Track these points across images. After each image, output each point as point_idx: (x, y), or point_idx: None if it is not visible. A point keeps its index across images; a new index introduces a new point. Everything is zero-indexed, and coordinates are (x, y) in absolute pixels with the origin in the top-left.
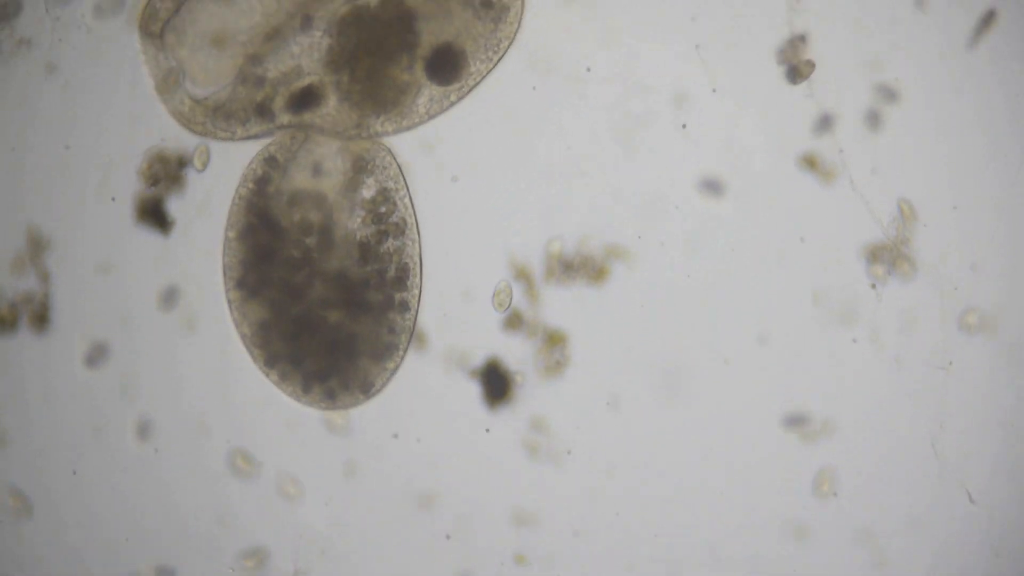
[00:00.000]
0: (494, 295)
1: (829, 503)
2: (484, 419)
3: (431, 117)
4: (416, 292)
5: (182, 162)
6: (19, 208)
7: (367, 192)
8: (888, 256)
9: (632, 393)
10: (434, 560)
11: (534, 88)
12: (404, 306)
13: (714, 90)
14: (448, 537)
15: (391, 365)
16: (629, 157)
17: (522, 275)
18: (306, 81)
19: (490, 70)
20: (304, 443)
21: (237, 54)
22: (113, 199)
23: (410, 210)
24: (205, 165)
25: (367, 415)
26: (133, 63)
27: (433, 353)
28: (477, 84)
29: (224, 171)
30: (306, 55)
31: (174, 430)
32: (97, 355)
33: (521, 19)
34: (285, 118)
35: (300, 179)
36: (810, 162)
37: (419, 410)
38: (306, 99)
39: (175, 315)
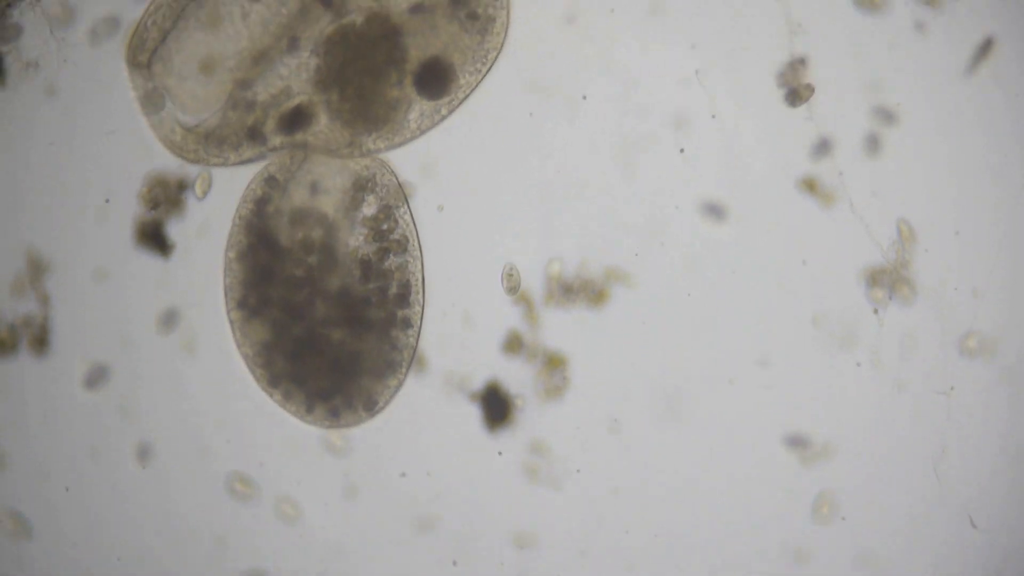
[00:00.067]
0: (503, 278)
1: (829, 527)
2: (484, 442)
3: (423, 132)
4: (418, 309)
5: (182, 186)
6: (19, 231)
7: (368, 210)
8: (888, 279)
9: (632, 416)
10: None
11: (531, 115)
12: (407, 323)
13: (713, 116)
14: (455, 563)
15: (394, 382)
16: (628, 180)
17: (522, 298)
18: (295, 101)
19: (479, 82)
20: (304, 465)
21: (226, 80)
22: (107, 200)
23: (411, 227)
24: (205, 193)
25: (367, 437)
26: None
27: (433, 376)
28: (467, 96)
29: (224, 193)
30: (295, 76)
31: (174, 452)
32: (96, 378)
33: (507, 29)
34: (277, 140)
35: (300, 198)
36: (810, 185)
37: (419, 434)
38: (296, 119)
39: (175, 338)
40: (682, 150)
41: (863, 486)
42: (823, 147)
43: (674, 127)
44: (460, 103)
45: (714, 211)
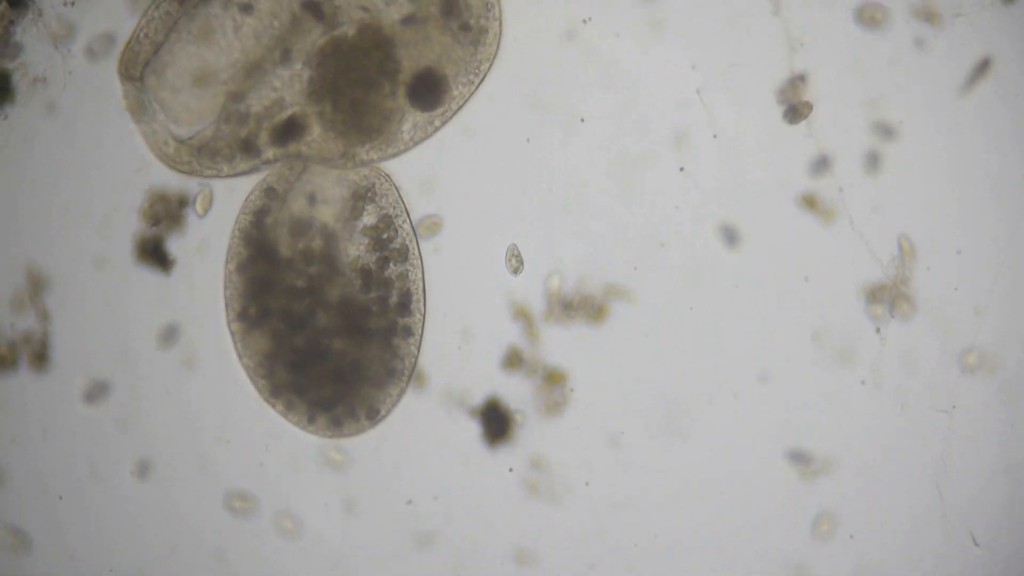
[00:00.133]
0: (506, 260)
1: (829, 544)
2: (485, 458)
3: (416, 143)
4: (419, 317)
5: (183, 202)
6: (19, 247)
7: (368, 219)
8: (888, 296)
9: (632, 432)
10: None
11: (528, 140)
12: (408, 331)
13: (715, 136)
14: None
15: (396, 391)
16: (628, 196)
17: (521, 315)
18: (288, 112)
19: (472, 93)
20: (303, 480)
21: (219, 92)
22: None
23: (411, 235)
24: (206, 211)
25: (367, 452)
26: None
27: (433, 392)
28: (460, 108)
29: (226, 208)
30: (287, 88)
31: (173, 467)
32: (96, 394)
33: (500, 40)
34: (271, 152)
35: (300, 209)
36: (810, 202)
37: (419, 449)
38: (289, 130)
39: (175, 353)
40: (682, 168)
41: (864, 503)
42: (823, 163)
43: (674, 144)
44: (453, 114)
45: (714, 228)
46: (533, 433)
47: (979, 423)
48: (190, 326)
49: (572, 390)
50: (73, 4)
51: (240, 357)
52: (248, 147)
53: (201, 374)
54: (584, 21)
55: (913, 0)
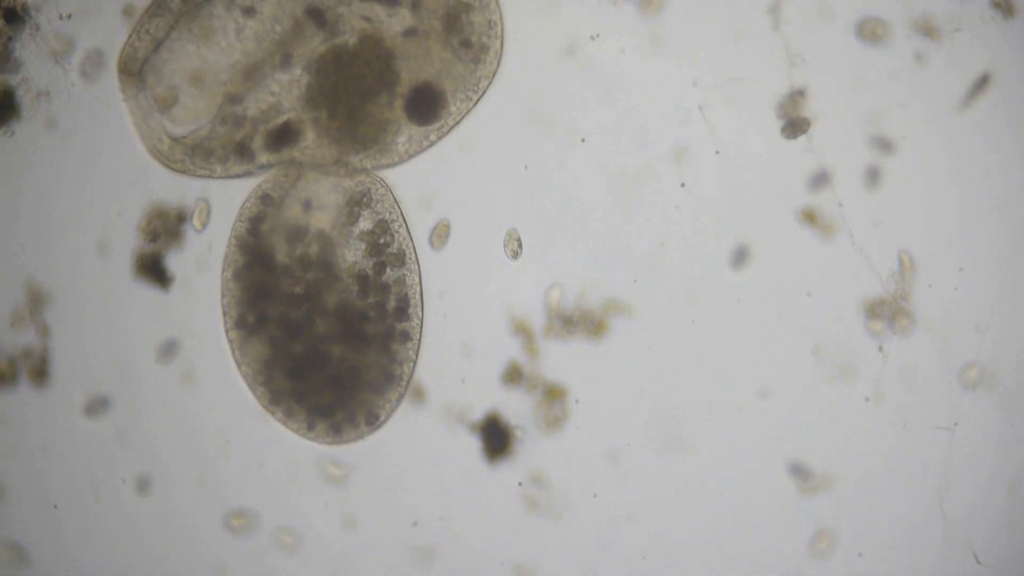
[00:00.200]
0: (505, 244)
1: (829, 560)
2: (484, 473)
3: (411, 156)
4: (417, 322)
5: (181, 218)
6: (18, 263)
7: (365, 224)
8: (888, 311)
9: (631, 447)
10: None
11: (526, 167)
12: (406, 336)
13: (717, 152)
14: None
15: (395, 396)
16: (628, 212)
17: (521, 330)
18: (284, 118)
19: (469, 109)
20: (302, 496)
21: (216, 93)
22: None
23: (408, 240)
24: (204, 225)
25: (366, 468)
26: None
27: (433, 408)
28: (456, 124)
29: (224, 220)
30: (286, 93)
31: (173, 483)
32: (96, 409)
33: (501, 59)
34: (264, 157)
35: (296, 215)
36: (810, 216)
37: (419, 464)
38: (284, 136)
39: (174, 369)
40: (683, 184)
41: (865, 519)
42: (823, 178)
43: (675, 159)
44: (449, 130)
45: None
46: (533, 448)
47: (980, 440)
48: (189, 340)
49: (577, 401)
50: (70, 17)
51: (239, 365)
52: (242, 150)
53: (201, 388)
54: (592, 38)
55: (913, 15)
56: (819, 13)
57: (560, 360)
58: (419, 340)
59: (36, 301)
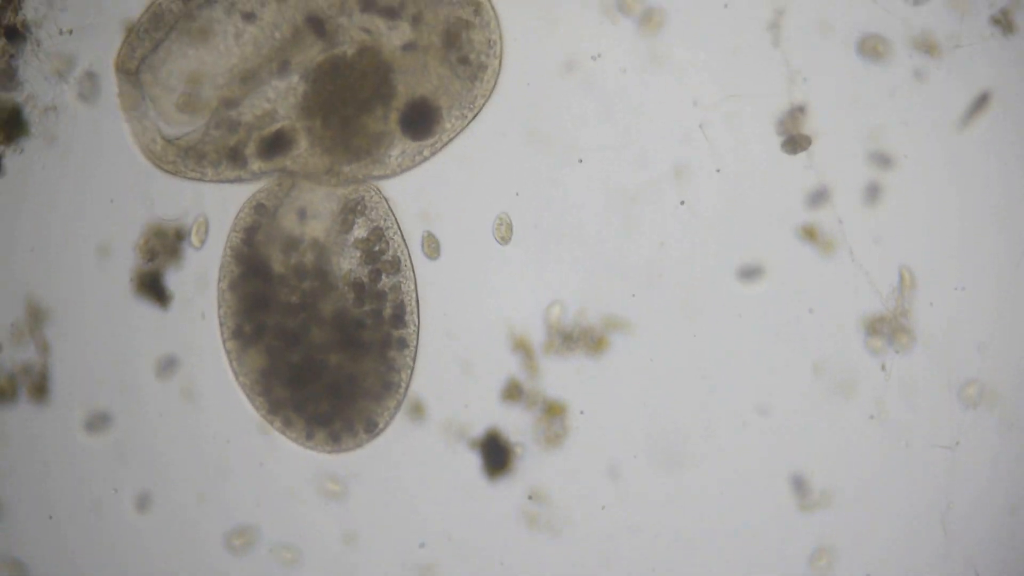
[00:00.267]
0: (494, 228)
1: None
2: (484, 489)
3: (403, 171)
4: (414, 329)
5: (179, 235)
6: (18, 279)
7: (360, 232)
8: (888, 328)
9: (631, 463)
10: None
11: (517, 194)
12: (403, 343)
13: (718, 170)
14: None
15: (393, 403)
16: (628, 228)
17: (521, 347)
18: (277, 126)
19: (464, 127)
20: (302, 512)
21: (212, 96)
22: (131, 279)
23: (403, 247)
24: (203, 242)
25: (365, 484)
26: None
27: (432, 424)
28: (450, 141)
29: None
30: (281, 100)
31: (173, 500)
32: (96, 426)
33: (498, 78)
34: (256, 165)
35: (290, 224)
36: (810, 233)
37: (419, 481)
38: (277, 144)
39: (174, 385)
40: (682, 202)
41: (865, 537)
42: (823, 195)
43: (674, 176)
44: (443, 147)
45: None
46: (533, 465)
47: (982, 458)
48: (189, 356)
49: (582, 412)
50: (71, 33)
51: (236, 375)
52: (235, 156)
53: (201, 404)
54: (593, 58)
55: (913, 32)
56: (819, 30)
57: (560, 377)
58: (416, 347)
59: (36, 317)
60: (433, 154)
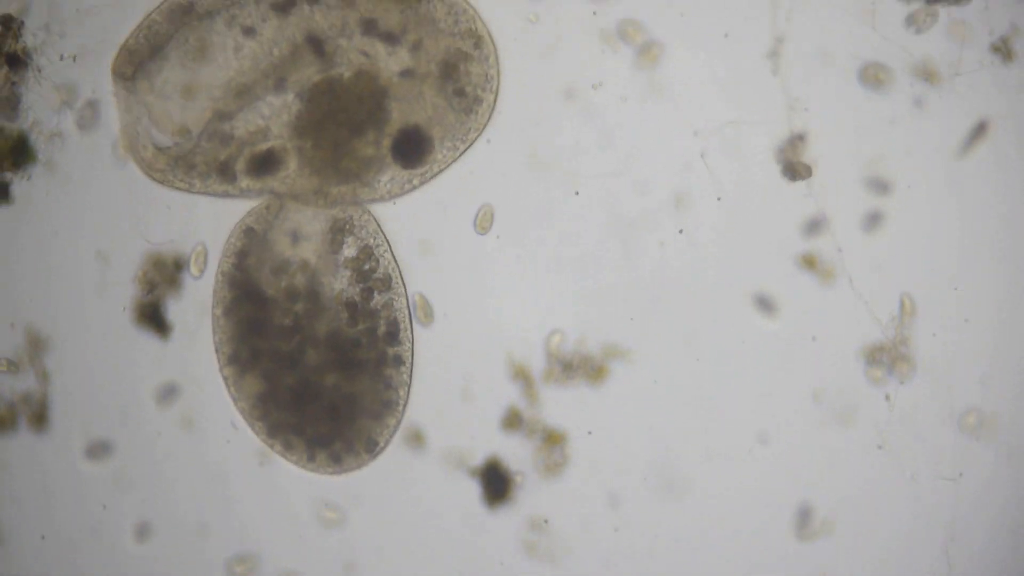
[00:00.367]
0: (475, 218)
1: None
2: (484, 518)
3: (392, 197)
4: (408, 345)
5: (178, 265)
6: (17, 308)
7: (349, 251)
8: (887, 356)
9: (632, 492)
10: None
11: (498, 237)
12: (399, 360)
13: (719, 199)
14: None
15: (392, 421)
16: (628, 257)
17: (520, 375)
18: (268, 144)
19: (455, 159)
20: (303, 541)
21: (207, 107)
22: (124, 308)
23: (393, 264)
24: (203, 271)
25: (367, 512)
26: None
27: (432, 453)
28: (441, 172)
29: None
30: (275, 117)
31: (173, 531)
32: (95, 455)
33: (492, 112)
34: (245, 182)
35: (281, 247)
36: (810, 262)
37: (419, 509)
38: (267, 163)
39: (174, 414)
40: (681, 231)
41: (867, 567)
42: (823, 223)
43: (674, 205)
44: (432, 177)
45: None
46: (533, 494)
47: (986, 489)
48: (189, 384)
49: (590, 432)
50: (74, 59)
51: (235, 401)
52: (225, 170)
53: (201, 433)
54: (593, 87)
55: (913, 60)
56: (819, 58)
57: (560, 405)
58: (412, 364)
59: (36, 346)
60: (422, 183)
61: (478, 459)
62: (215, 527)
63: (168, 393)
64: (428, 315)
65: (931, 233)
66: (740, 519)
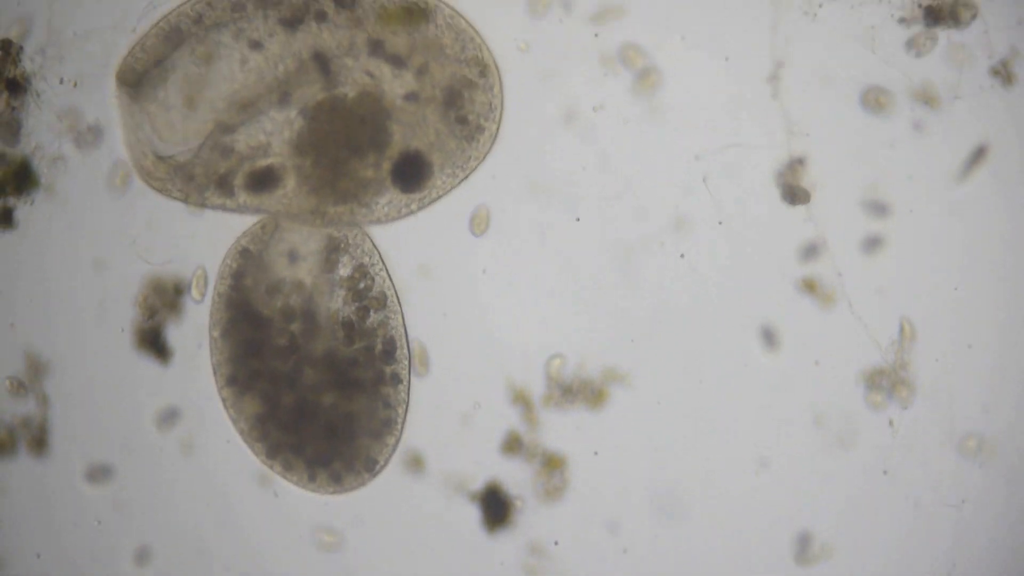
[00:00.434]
0: (471, 218)
1: None
2: (484, 543)
3: (388, 220)
4: (405, 363)
5: (179, 290)
6: (18, 332)
7: (344, 270)
8: (887, 381)
9: (631, 517)
10: None
11: (484, 271)
12: (396, 378)
13: (720, 223)
14: None
15: (391, 440)
16: (628, 281)
17: (520, 399)
18: (268, 161)
19: (454, 187)
20: (302, 564)
21: (208, 119)
22: (122, 329)
23: (388, 283)
24: (203, 295)
25: (366, 536)
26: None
27: (432, 478)
28: (439, 198)
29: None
30: (277, 133)
31: (172, 554)
32: (95, 479)
33: (494, 142)
34: (243, 198)
35: (277, 267)
36: (810, 286)
37: (419, 534)
38: (265, 181)
39: (174, 438)
40: (682, 255)
41: None
42: (823, 247)
43: (675, 228)
44: (430, 203)
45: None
46: (533, 518)
47: (988, 516)
48: (189, 408)
49: (596, 453)
50: (75, 85)
51: (234, 422)
52: (223, 184)
53: (201, 457)
54: (594, 109)
55: (913, 84)
56: (820, 82)
57: (560, 429)
58: (409, 381)
59: (36, 371)
60: (420, 209)
61: (478, 483)
62: (214, 550)
63: (168, 417)
64: (424, 365)
65: (931, 257)
66: (740, 543)
